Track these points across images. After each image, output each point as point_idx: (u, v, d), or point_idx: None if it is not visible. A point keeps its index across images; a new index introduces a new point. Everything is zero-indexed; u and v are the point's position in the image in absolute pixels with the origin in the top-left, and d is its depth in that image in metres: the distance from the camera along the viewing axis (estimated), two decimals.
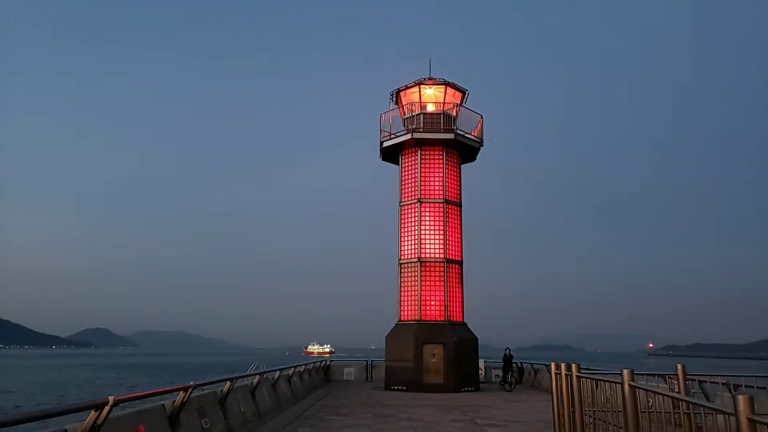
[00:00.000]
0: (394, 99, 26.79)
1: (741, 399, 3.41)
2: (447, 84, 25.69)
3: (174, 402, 8.73)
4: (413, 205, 24.66)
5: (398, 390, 22.18)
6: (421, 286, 23.65)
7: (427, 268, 23.90)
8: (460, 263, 24.69)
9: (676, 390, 7.21)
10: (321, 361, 27.47)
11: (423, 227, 24.27)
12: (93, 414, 6.10)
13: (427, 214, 24.43)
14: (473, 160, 26.71)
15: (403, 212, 25.07)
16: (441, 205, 24.44)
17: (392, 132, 25.89)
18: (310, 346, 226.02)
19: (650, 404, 6.20)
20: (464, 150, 25.76)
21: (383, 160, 26.94)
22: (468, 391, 22.39)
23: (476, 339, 23.99)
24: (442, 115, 25.47)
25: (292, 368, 19.16)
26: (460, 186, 25.48)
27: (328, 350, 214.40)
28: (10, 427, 5.17)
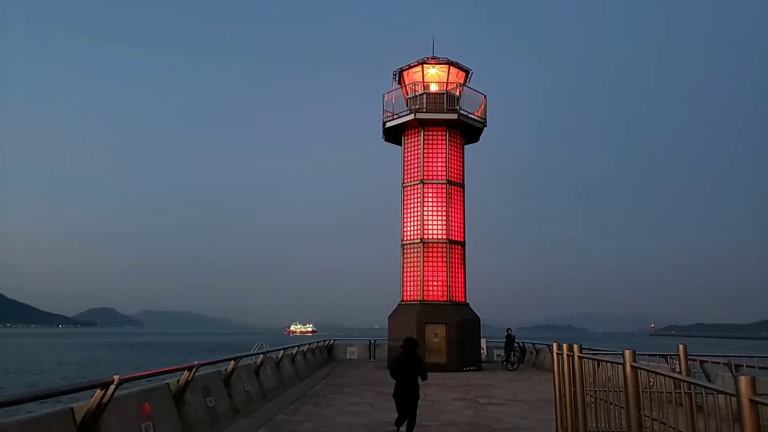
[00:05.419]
0: (397, 79, 26.47)
1: (742, 380, 3.39)
2: (450, 63, 25.36)
3: (179, 381, 8.82)
4: (416, 186, 24.55)
5: None
6: (423, 266, 23.68)
7: (430, 249, 23.91)
8: (463, 244, 24.68)
9: (678, 370, 7.23)
10: (324, 341, 27.68)
11: (426, 208, 24.21)
12: (98, 393, 6.15)
13: (430, 195, 24.34)
14: (477, 141, 26.50)
15: (405, 193, 24.98)
16: (444, 186, 24.33)
17: (395, 112, 25.67)
18: (292, 326, 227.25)
19: (651, 384, 6.22)
20: (467, 130, 25.53)
21: (386, 140, 26.75)
22: (470, 370, 22.56)
23: (478, 319, 24.10)
24: (445, 95, 25.20)
25: (296, 347, 19.31)
26: (463, 167, 25.31)
27: (310, 330, 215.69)
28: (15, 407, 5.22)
